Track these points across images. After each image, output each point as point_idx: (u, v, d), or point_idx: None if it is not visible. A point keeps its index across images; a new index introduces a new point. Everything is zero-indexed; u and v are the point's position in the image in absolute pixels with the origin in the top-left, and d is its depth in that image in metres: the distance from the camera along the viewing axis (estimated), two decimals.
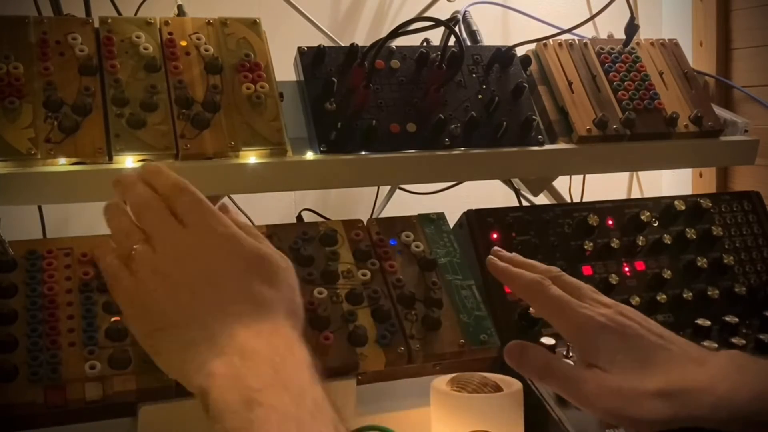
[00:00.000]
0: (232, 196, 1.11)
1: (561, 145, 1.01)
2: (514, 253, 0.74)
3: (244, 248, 0.56)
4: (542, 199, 1.15)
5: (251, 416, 0.47)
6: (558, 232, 0.96)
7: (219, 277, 0.54)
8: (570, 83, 1.04)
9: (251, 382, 0.48)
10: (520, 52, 1.05)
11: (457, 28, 1.02)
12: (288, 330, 0.53)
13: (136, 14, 1.10)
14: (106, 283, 0.58)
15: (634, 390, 0.60)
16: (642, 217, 0.98)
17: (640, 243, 0.97)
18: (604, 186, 1.41)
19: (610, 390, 0.61)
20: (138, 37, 0.89)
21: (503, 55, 1.02)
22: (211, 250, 0.55)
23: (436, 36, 1.07)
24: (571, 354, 0.79)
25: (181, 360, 0.52)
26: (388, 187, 1.20)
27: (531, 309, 0.84)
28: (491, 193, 1.28)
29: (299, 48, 0.96)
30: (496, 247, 0.74)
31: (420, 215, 0.93)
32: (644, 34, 1.14)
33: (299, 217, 1.09)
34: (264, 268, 0.56)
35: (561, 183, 1.16)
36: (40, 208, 1.04)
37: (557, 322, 0.66)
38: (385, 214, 1.15)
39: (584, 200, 1.31)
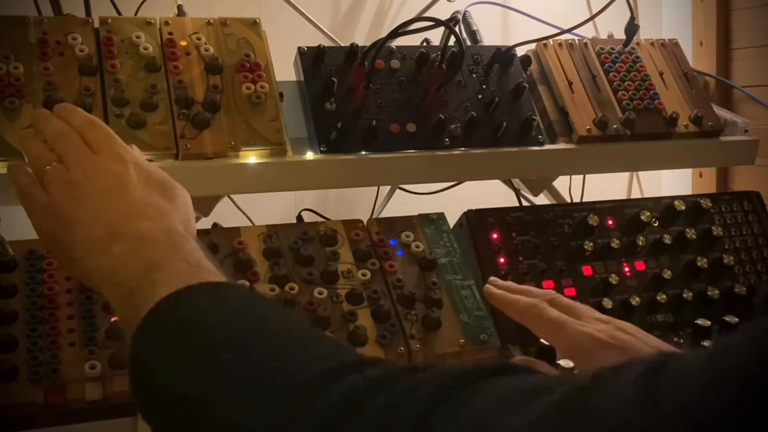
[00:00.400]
0: (232, 196, 1.11)
1: (561, 145, 1.01)
2: (509, 281, 0.76)
3: (148, 171, 0.63)
4: (542, 199, 1.15)
5: (152, 276, 0.54)
6: (558, 232, 0.96)
7: (124, 188, 0.60)
8: (570, 83, 1.04)
9: (152, 255, 0.56)
10: (520, 52, 1.05)
11: (457, 28, 1.02)
12: (181, 231, 0.59)
13: (136, 14, 1.10)
14: (19, 200, 0.63)
15: None
16: (642, 217, 0.98)
17: (640, 243, 0.97)
18: (604, 186, 1.41)
19: None
20: (138, 37, 0.89)
21: (503, 55, 1.02)
22: (119, 169, 0.61)
23: (436, 36, 1.07)
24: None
25: (83, 251, 0.58)
26: (388, 187, 1.20)
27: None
28: (491, 193, 1.28)
29: (299, 48, 0.96)
30: (492, 277, 0.76)
31: (420, 215, 0.93)
32: (644, 34, 1.14)
33: (299, 217, 1.09)
34: (164, 188, 0.63)
35: (561, 183, 1.16)
36: None
37: (558, 342, 0.68)
38: (385, 214, 1.15)
39: (584, 200, 1.31)
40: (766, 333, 0.31)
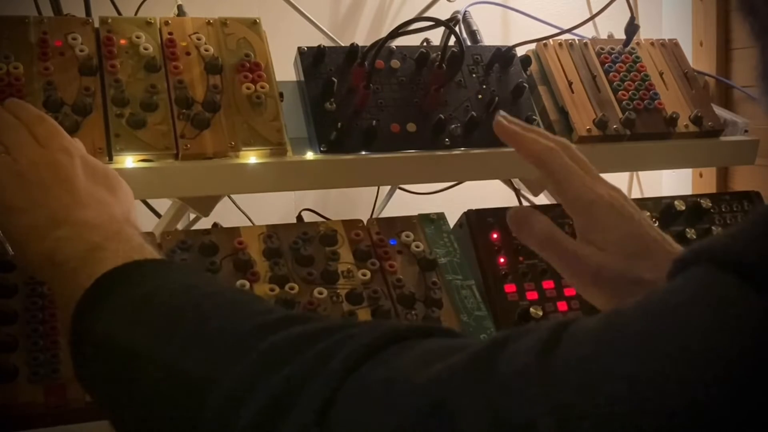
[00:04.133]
0: (232, 196, 1.11)
1: None
2: (519, 120, 0.71)
3: (93, 165, 0.66)
4: (542, 199, 1.15)
5: (96, 255, 0.56)
6: None
7: (69, 181, 0.63)
8: (570, 83, 1.04)
9: (95, 238, 0.58)
10: (520, 52, 1.05)
11: (457, 28, 1.02)
12: (123, 220, 0.62)
13: (136, 14, 1.10)
14: None
15: (632, 278, 0.60)
16: None
17: None
18: None
19: (611, 272, 0.61)
20: (138, 37, 0.89)
21: (503, 55, 1.02)
22: (65, 161, 0.64)
23: (436, 36, 1.07)
24: None
25: (26, 237, 0.60)
26: (388, 187, 1.20)
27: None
28: (491, 193, 1.28)
29: (299, 48, 0.96)
30: (502, 111, 0.71)
31: (420, 215, 0.93)
32: (644, 34, 1.14)
33: (299, 217, 1.09)
34: (108, 182, 0.66)
35: None
36: None
37: (564, 190, 0.66)
38: (385, 214, 1.15)
39: None
40: (655, 303, 0.34)
